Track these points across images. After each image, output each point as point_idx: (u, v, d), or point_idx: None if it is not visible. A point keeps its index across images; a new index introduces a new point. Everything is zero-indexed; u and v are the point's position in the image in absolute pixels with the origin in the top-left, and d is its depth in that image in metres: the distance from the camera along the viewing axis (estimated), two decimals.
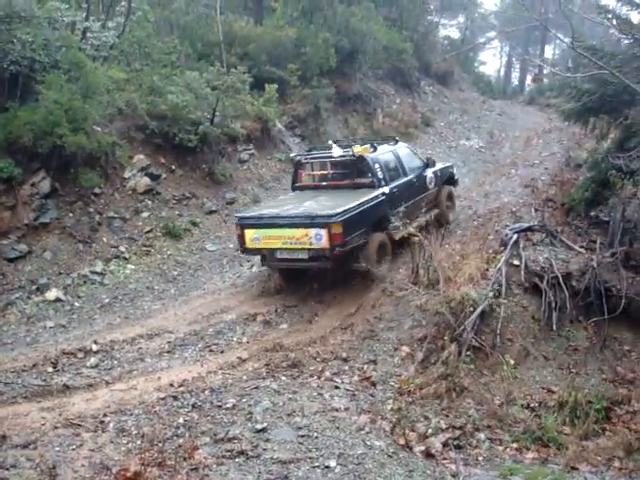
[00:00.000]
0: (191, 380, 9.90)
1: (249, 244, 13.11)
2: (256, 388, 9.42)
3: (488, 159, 27.42)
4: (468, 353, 10.34)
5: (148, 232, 16.41)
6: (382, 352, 10.77)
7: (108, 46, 18.50)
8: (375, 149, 14.49)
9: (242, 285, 14.37)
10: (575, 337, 11.68)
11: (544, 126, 31.70)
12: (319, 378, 9.89)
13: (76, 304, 13.56)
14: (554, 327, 11.53)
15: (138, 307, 13.55)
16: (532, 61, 54.09)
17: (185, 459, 7.56)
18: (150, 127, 18.21)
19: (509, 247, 12.71)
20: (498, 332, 10.97)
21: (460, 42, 53.01)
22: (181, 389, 9.57)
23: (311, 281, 13.69)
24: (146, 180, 17.42)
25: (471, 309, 10.77)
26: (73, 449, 7.63)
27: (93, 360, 10.78)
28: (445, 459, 8.35)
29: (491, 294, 11.23)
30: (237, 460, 7.59)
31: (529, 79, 57.73)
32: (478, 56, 60.70)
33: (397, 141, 15.88)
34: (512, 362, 10.78)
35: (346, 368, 10.36)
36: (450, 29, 60.68)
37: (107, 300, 13.80)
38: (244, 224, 13.17)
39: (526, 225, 13.76)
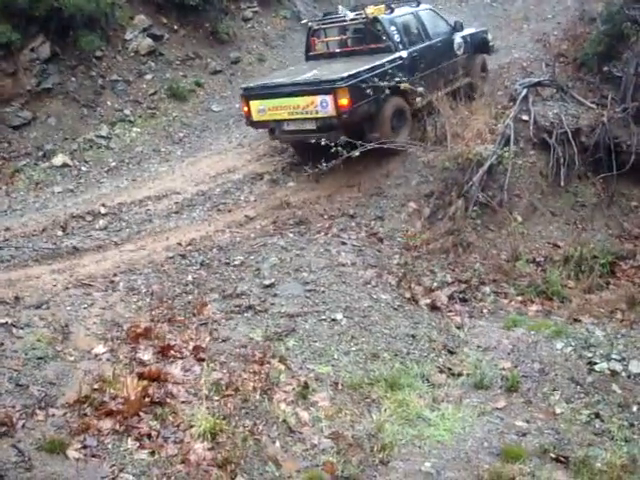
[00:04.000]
0: (199, 239, 9.98)
1: (255, 116, 12.23)
2: (264, 245, 9.51)
3: (499, 14, 26.43)
4: (475, 209, 10.35)
5: (152, 94, 16.09)
6: (389, 208, 10.80)
7: None
8: (392, 10, 13.24)
9: (249, 145, 14.19)
10: (583, 193, 11.72)
11: None
12: (326, 235, 9.94)
13: (83, 169, 13.51)
14: (562, 183, 11.54)
15: (145, 170, 13.46)
16: None
17: (194, 315, 7.73)
18: None
19: (518, 102, 12.51)
20: (505, 188, 10.95)
21: None
22: (189, 248, 9.67)
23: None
24: (148, 41, 16.88)
25: (479, 165, 10.71)
26: (84, 308, 7.74)
27: (102, 222, 10.80)
28: (450, 311, 8.53)
29: (499, 150, 11.13)
30: (245, 315, 7.75)
31: None
32: None
33: (419, 3, 14.43)
34: (519, 218, 10.83)
35: (353, 224, 10.41)
36: None
37: (114, 164, 13.72)
38: (249, 95, 12.32)
39: (536, 80, 13.47)
